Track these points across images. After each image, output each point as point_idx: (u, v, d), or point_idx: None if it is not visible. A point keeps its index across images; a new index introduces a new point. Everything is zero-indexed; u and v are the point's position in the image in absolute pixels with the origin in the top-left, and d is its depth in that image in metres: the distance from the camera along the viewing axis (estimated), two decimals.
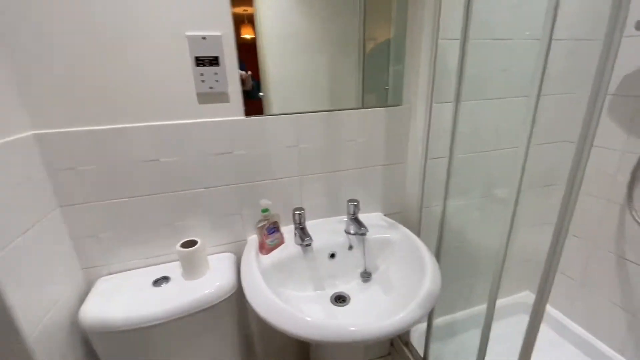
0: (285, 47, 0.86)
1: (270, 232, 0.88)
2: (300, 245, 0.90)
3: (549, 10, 0.62)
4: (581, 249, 1.29)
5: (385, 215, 1.12)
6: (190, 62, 0.78)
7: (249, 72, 0.85)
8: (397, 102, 1.00)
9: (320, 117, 0.94)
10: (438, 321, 1.34)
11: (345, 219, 0.98)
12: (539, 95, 0.68)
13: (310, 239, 0.86)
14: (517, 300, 1.50)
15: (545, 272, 0.66)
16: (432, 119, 0.97)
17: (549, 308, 1.44)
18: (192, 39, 0.77)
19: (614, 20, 0.50)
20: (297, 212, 0.90)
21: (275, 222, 0.90)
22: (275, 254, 0.89)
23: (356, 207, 0.95)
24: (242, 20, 0.80)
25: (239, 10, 0.79)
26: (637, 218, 1.07)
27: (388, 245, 0.96)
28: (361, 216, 1.06)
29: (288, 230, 0.97)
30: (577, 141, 0.58)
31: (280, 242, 0.91)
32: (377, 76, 0.97)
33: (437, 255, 1.06)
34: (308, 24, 0.86)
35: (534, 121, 0.70)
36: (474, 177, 1.12)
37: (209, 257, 0.93)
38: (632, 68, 1.05)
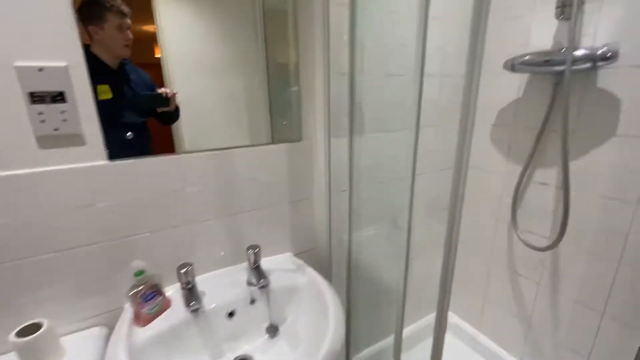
0: (189, 71, 0.78)
1: (148, 298, 0.73)
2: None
3: (418, 53, 0.64)
4: (481, 266, 1.39)
5: (296, 254, 1.04)
6: (22, 100, 0.62)
7: (175, 91, 0.75)
8: (298, 138, 0.95)
9: (212, 156, 0.83)
10: (360, 356, 1.29)
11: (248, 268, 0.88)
12: (417, 127, 0.70)
13: (198, 302, 0.74)
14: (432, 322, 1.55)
15: (441, 292, 0.66)
16: (333, 152, 0.94)
17: (461, 323, 1.51)
18: (23, 71, 0.61)
19: (472, 61, 0.53)
20: (183, 270, 0.77)
21: (156, 285, 0.75)
22: (157, 323, 0.74)
23: (257, 254, 0.85)
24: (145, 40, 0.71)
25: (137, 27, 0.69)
26: (520, 236, 1.18)
27: (295, 293, 0.88)
28: (268, 259, 0.97)
29: (177, 289, 0.82)
30: (454, 166, 0.60)
31: (165, 306, 0.76)
32: (280, 111, 0.92)
33: (348, 290, 1.02)
34: (212, 50, 0.81)
35: (416, 152, 0.71)
36: (379, 207, 1.12)
37: (70, 337, 0.73)
38: (506, 102, 1.18)
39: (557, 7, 0.93)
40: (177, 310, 0.77)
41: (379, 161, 1.06)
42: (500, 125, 1.21)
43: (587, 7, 0.91)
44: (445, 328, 0.68)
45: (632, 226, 0.91)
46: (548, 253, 1.12)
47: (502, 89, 1.17)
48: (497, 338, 1.38)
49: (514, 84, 1.14)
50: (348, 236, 0.94)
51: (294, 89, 0.92)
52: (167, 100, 0.76)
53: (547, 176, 1.09)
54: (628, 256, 0.93)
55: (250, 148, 0.88)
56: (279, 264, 0.96)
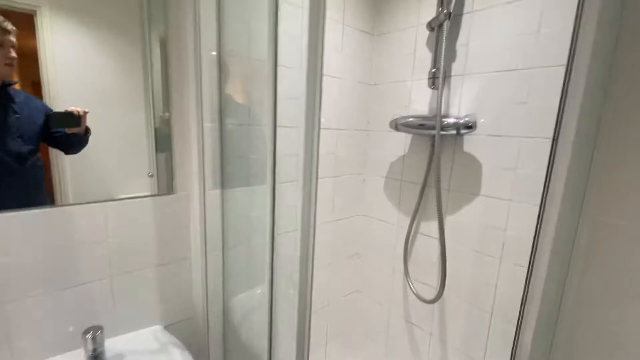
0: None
1: None
2: None
3: (270, 109, 0.61)
4: (382, 315, 1.38)
5: (168, 326, 0.88)
6: None
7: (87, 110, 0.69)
8: (169, 190, 0.83)
9: (38, 216, 0.66)
10: None
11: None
12: (274, 183, 0.66)
13: None
14: None
15: (300, 348, 0.58)
16: (210, 207, 0.84)
17: None
18: None
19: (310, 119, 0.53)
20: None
21: None
22: None
23: (96, 340, 0.67)
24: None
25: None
26: (413, 287, 1.20)
27: None
28: (127, 337, 0.79)
29: None
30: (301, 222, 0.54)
31: None
32: (152, 156, 0.80)
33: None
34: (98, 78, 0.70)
35: (273, 209, 0.67)
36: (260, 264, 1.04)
37: None
38: (395, 157, 1.25)
39: (429, 78, 1.04)
40: None
41: (258, 216, 1.00)
42: (392, 178, 1.27)
43: (453, 80, 1.03)
44: None
45: (498, 279, 0.99)
46: (435, 303, 1.16)
47: (393, 144, 1.25)
48: None
49: (401, 141, 1.22)
50: (222, 301, 0.83)
51: (167, 132, 0.82)
52: (77, 119, 0.69)
53: (431, 229, 1.15)
54: (498, 306, 1.00)
55: (105, 204, 0.73)
56: (138, 343, 0.79)
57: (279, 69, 0.88)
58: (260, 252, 0.91)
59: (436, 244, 1.14)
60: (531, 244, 0.66)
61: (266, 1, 0.69)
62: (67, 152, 0.70)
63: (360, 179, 1.37)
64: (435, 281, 1.16)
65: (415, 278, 1.22)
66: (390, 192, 1.29)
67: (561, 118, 0.60)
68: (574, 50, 0.57)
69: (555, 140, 0.60)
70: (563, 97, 0.59)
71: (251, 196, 0.85)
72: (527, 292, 0.70)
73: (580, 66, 0.58)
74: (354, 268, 1.43)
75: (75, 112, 0.69)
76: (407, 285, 1.22)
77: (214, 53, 0.78)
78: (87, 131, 0.71)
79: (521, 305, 0.71)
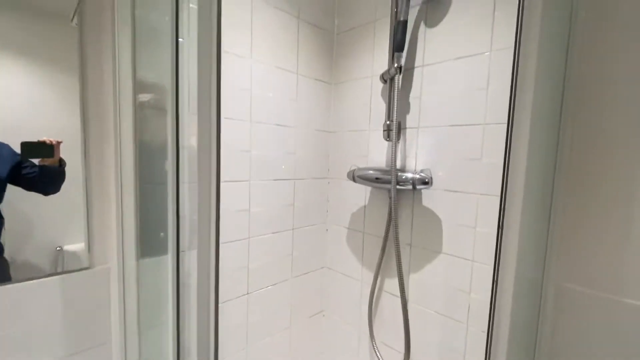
0: None
1: None
2: None
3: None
4: None
5: None
6: None
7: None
8: (84, 264, 0.72)
9: None
10: None
11: None
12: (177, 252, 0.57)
13: None
14: None
15: None
16: (130, 281, 0.73)
17: None
18: None
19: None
20: None
21: None
22: None
23: None
24: None
25: None
26: (378, 352, 1.09)
27: None
28: None
29: None
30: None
31: None
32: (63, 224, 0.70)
33: None
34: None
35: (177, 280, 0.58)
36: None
37: None
38: (356, 207, 1.19)
39: (384, 130, 1.00)
40: None
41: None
42: (354, 229, 1.20)
43: (408, 132, 1.00)
44: None
45: (466, 347, 0.90)
46: None
47: (354, 194, 1.19)
48: None
49: (362, 191, 1.16)
50: None
51: (80, 197, 0.72)
52: (50, 148, 0.65)
53: (395, 287, 1.07)
54: None
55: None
56: None
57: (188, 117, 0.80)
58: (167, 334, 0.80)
59: (399, 304, 1.05)
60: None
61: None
62: (45, 192, 0.67)
63: (323, 229, 1.29)
64: (401, 344, 1.06)
65: (381, 341, 1.11)
66: (353, 244, 1.21)
67: (507, 177, 0.56)
68: (513, 109, 0.54)
69: (503, 197, 0.56)
70: (507, 156, 0.55)
71: (163, 266, 0.75)
72: None
73: (522, 125, 0.55)
74: (317, 329, 1.31)
75: (48, 142, 0.65)
76: (373, 350, 1.11)
77: (131, 107, 0.70)
78: (61, 162, 0.67)
79: None
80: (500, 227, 0.59)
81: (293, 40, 1.08)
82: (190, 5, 0.61)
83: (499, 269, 0.61)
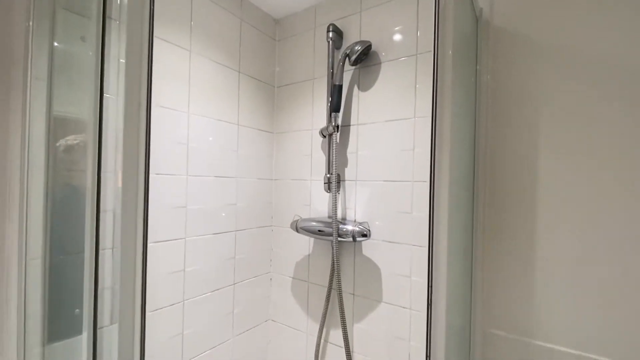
0: None
1: None
2: None
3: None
4: None
5: None
6: None
7: None
8: None
9: None
10: None
11: None
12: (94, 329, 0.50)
13: None
14: None
15: None
16: None
17: None
18: None
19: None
20: None
21: None
22: None
23: None
24: None
25: None
26: None
27: None
28: None
29: None
30: None
31: None
32: None
33: None
34: None
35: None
36: None
37: None
38: (300, 257, 1.18)
39: (324, 182, 1.04)
40: None
41: None
42: (299, 279, 1.19)
43: (347, 185, 1.05)
44: None
45: None
46: None
47: (297, 243, 1.19)
48: None
49: (305, 240, 1.16)
50: None
51: None
52: None
53: (340, 338, 1.06)
54: None
55: None
56: None
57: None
58: None
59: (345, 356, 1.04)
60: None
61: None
62: None
63: (267, 279, 1.25)
64: None
65: None
66: (298, 294, 1.19)
67: (432, 231, 0.61)
68: (433, 169, 0.60)
69: (430, 249, 0.60)
70: (431, 211, 0.61)
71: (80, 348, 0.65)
72: None
73: (442, 184, 0.61)
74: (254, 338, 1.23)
75: None
76: None
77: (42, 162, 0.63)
78: None
79: None
80: (429, 277, 0.63)
81: (234, 93, 1.09)
82: (120, 60, 0.59)
83: (431, 319, 0.65)
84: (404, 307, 0.93)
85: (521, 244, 0.77)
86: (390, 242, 0.96)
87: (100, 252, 0.63)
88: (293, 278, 1.20)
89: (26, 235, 0.64)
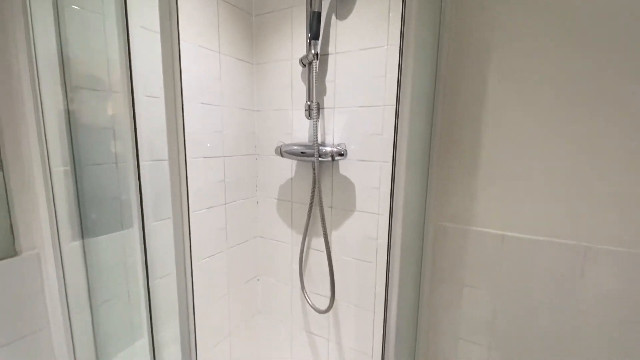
0: None
1: None
2: None
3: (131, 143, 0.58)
4: (285, 331, 1.43)
5: None
6: None
7: None
8: (9, 252, 0.69)
9: None
10: None
11: None
12: (142, 224, 0.63)
13: None
14: None
15: None
16: (70, 262, 0.73)
17: None
18: None
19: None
20: None
21: None
22: None
23: None
24: None
25: None
26: (309, 299, 1.29)
27: None
28: None
29: None
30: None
31: None
32: None
33: None
34: None
35: (145, 253, 0.65)
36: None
37: None
38: (284, 180, 1.32)
39: (305, 110, 1.14)
40: None
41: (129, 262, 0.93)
42: (283, 200, 1.34)
43: (326, 112, 1.16)
44: None
45: (376, 280, 1.15)
46: (330, 311, 1.27)
47: (281, 168, 1.31)
48: None
49: (288, 165, 1.29)
50: None
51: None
52: None
53: (320, 244, 1.26)
54: (378, 304, 1.16)
55: None
56: None
57: (142, 98, 0.83)
58: (137, 302, 0.84)
59: (325, 257, 1.25)
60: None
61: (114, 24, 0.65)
62: None
63: (254, 202, 1.40)
64: (327, 290, 1.27)
65: (311, 290, 1.31)
66: (282, 213, 1.35)
67: (395, 145, 0.74)
68: (399, 94, 0.71)
69: (393, 163, 0.73)
70: (395, 131, 0.73)
71: (119, 242, 0.78)
72: (388, 287, 0.82)
73: (405, 105, 0.72)
74: (253, 291, 1.44)
75: None
76: (305, 298, 1.31)
77: (59, 87, 0.68)
78: None
79: (385, 298, 0.83)
80: (392, 185, 0.77)
81: (213, 20, 1.11)
82: None
83: (392, 218, 0.80)
84: (373, 213, 1.12)
85: (468, 150, 0.94)
86: (363, 160, 1.11)
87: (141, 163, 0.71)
88: (278, 199, 1.35)
89: (47, 149, 0.71)
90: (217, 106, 1.16)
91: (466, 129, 0.93)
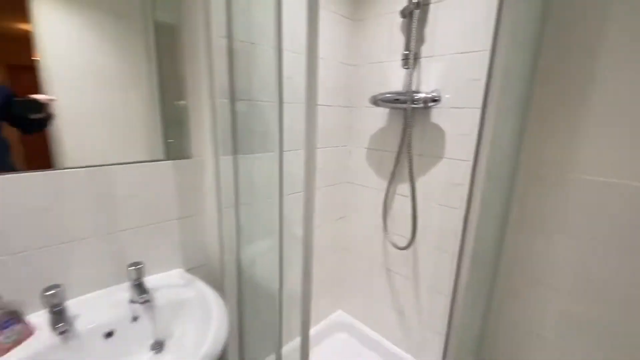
0: (72, 79, 0.78)
1: (2, 327, 0.67)
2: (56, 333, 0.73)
3: (275, 88, 0.76)
4: (366, 268, 1.61)
5: (187, 270, 1.06)
6: None
7: (54, 98, 0.74)
8: (187, 155, 1.00)
9: (91, 173, 0.82)
10: None
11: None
12: (281, 149, 0.81)
13: (67, 323, 0.71)
14: (333, 320, 1.70)
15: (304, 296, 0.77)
16: (222, 170, 1.01)
17: (354, 322, 1.70)
18: None
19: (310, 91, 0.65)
20: (49, 292, 0.73)
21: (14, 313, 0.70)
22: (16, 352, 0.68)
23: (139, 270, 0.86)
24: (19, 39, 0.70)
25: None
26: (389, 239, 1.42)
27: (183, 307, 0.91)
28: (157, 277, 0.97)
29: (44, 315, 0.77)
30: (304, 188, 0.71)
31: (25, 335, 0.71)
32: (169, 127, 0.96)
33: (240, 302, 1.08)
34: (99, 59, 0.82)
35: (281, 174, 0.83)
36: (270, 221, 1.23)
37: None
38: (375, 129, 1.44)
39: (402, 59, 1.21)
40: (43, 336, 0.72)
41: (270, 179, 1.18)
42: (372, 149, 1.47)
43: (423, 61, 1.21)
44: (308, 324, 0.80)
45: (459, 226, 1.21)
46: (410, 251, 1.38)
47: (373, 118, 1.43)
48: (380, 329, 1.60)
49: (380, 116, 1.40)
50: (236, 250, 1.02)
51: (182, 105, 0.98)
52: (40, 106, 0.73)
53: (404, 190, 1.36)
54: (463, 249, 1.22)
55: (136, 165, 0.90)
56: (168, 280, 0.97)
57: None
58: (268, 209, 1.10)
59: (409, 202, 1.35)
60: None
61: None
62: (25, 133, 0.75)
63: (346, 151, 1.56)
64: (408, 232, 1.38)
65: (392, 231, 1.44)
66: (371, 161, 1.48)
67: (487, 92, 0.77)
68: (496, 37, 0.73)
69: (483, 109, 0.77)
70: (489, 74, 0.75)
71: (259, 162, 1.02)
72: (465, 230, 0.89)
73: (501, 49, 0.73)
74: (340, 229, 1.64)
75: (41, 100, 0.72)
76: (386, 237, 1.44)
77: (224, 39, 0.92)
78: (48, 117, 0.74)
79: (461, 241, 0.90)
80: (480, 130, 0.80)
81: None
82: None
83: (477, 162, 0.84)
84: (461, 160, 1.16)
85: (577, 95, 0.90)
86: (456, 107, 1.14)
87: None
88: (367, 148, 1.49)
89: (213, 84, 0.97)
90: (321, 59, 1.33)
91: (576, 74, 0.89)
